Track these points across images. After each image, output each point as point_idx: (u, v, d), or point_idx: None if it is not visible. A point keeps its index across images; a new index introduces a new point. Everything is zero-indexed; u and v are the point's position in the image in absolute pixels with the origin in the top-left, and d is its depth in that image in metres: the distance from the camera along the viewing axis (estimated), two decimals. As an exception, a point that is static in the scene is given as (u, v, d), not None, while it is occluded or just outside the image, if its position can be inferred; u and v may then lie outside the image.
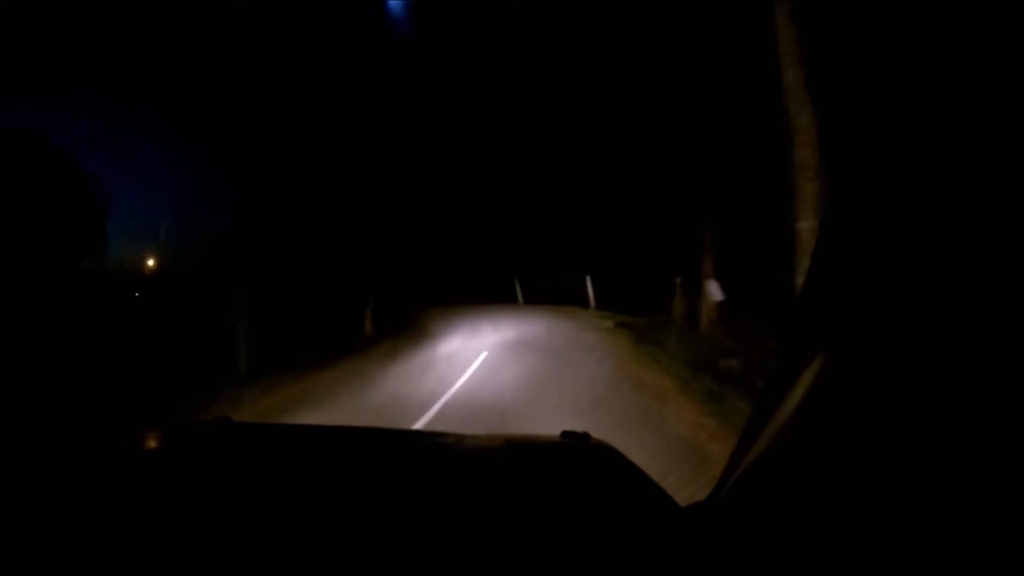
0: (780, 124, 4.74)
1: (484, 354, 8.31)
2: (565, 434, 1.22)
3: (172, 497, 0.80)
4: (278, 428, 1.99)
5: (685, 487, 2.89)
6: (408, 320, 14.46)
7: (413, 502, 0.82)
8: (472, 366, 7.41)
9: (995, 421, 0.49)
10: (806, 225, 4.45)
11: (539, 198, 18.16)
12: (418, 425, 4.76)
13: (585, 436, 1.21)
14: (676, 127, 9.73)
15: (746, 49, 6.51)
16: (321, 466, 1.00)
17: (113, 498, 0.80)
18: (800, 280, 4.38)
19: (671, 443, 4.05)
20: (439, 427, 4.54)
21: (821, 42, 4.48)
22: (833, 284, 0.72)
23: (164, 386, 6.85)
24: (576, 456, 1.12)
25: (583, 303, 15.96)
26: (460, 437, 1.22)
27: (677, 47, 8.63)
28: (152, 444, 1.16)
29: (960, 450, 0.51)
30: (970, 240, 0.55)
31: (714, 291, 8.94)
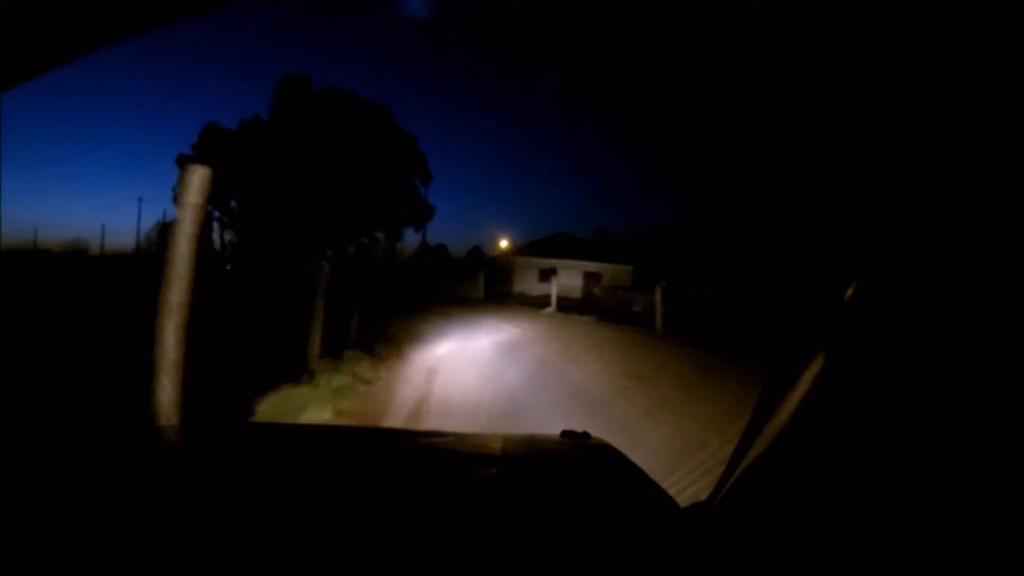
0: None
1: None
2: (565, 433, 1.21)
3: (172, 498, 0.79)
4: (281, 428, 2.00)
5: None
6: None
7: (414, 502, 0.82)
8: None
9: (993, 421, 0.50)
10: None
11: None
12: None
13: (585, 435, 1.20)
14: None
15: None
16: (322, 466, 0.99)
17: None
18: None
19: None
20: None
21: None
22: (833, 286, 0.70)
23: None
24: (576, 455, 1.12)
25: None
26: (460, 436, 1.23)
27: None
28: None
29: (958, 450, 0.51)
30: (966, 243, 0.56)
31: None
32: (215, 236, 27.41)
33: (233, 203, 25.60)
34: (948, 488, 0.51)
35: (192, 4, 0.93)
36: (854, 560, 0.56)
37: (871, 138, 0.73)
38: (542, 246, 27.52)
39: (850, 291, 0.65)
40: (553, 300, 17.64)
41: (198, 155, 25.10)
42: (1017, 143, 0.54)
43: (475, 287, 24.59)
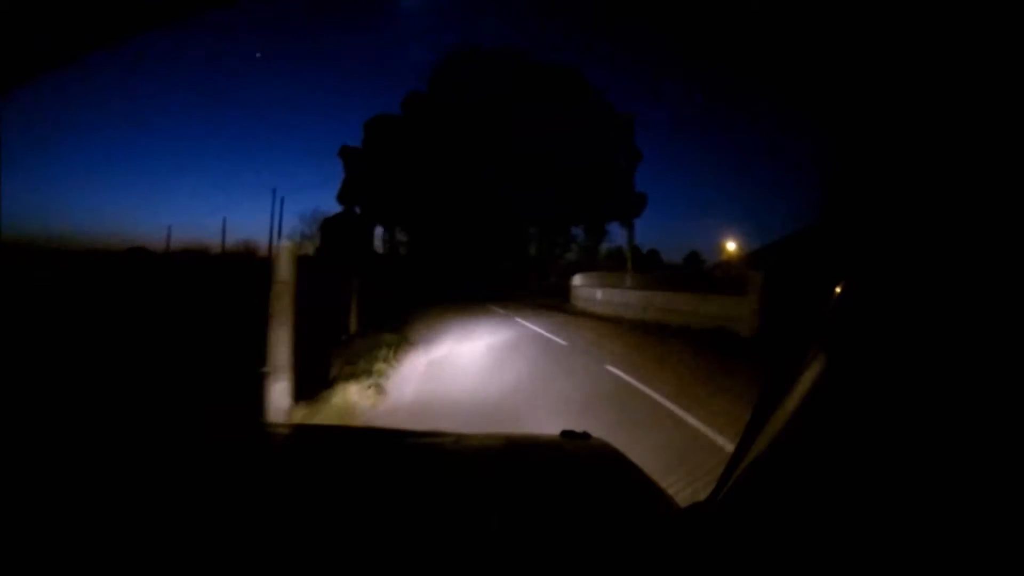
0: None
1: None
2: (565, 433, 1.19)
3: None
4: (280, 428, 2.06)
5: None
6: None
7: (414, 501, 0.82)
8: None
9: (992, 421, 0.49)
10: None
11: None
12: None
13: (585, 435, 1.18)
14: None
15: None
16: (323, 466, 0.99)
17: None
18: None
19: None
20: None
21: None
22: (832, 286, 0.68)
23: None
24: (576, 455, 1.10)
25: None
26: (460, 436, 1.22)
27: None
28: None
29: (958, 450, 0.51)
30: (966, 245, 0.55)
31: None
32: (380, 238, 25.09)
33: (398, 200, 22.22)
34: (948, 487, 0.51)
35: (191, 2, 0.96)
36: (854, 559, 0.56)
37: (866, 134, 0.72)
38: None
39: (839, 289, 0.65)
40: None
41: (366, 147, 23.04)
42: (1007, 147, 0.54)
43: (730, 304, 10.69)
